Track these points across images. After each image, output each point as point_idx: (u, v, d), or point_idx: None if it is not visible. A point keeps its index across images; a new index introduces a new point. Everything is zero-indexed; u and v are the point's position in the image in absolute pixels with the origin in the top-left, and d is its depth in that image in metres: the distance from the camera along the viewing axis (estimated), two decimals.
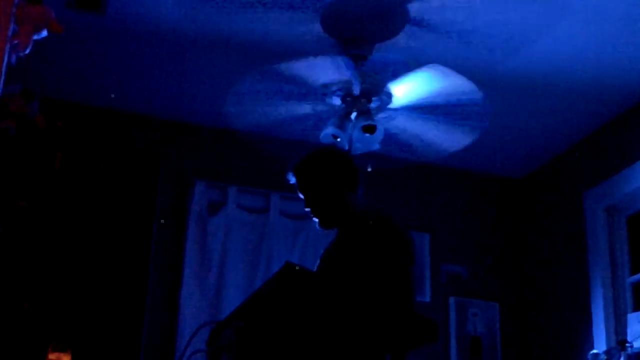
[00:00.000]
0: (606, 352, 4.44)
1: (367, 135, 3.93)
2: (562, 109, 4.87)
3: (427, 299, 5.32)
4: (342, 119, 3.99)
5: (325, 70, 3.92)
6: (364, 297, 2.80)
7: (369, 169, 4.12)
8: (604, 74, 4.47)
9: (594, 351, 4.52)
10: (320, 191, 3.25)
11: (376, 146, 4.03)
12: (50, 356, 4.34)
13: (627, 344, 4.33)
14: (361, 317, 2.74)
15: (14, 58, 2.40)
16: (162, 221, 4.99)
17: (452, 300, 5.38)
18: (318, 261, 3.22)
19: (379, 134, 3.95)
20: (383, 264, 3.01)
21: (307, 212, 3.31)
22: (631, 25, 4.04)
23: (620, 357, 4.33)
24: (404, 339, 2.98)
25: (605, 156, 4.98)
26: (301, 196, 3.32)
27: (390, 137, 4.17)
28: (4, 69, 2.24)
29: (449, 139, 4.30)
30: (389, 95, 3.97)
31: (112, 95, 4.88)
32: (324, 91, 3.99)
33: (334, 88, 3.97)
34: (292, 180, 3.31)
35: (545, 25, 4.04)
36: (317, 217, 3.28)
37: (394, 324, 2.93)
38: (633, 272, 4.81)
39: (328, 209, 3.26)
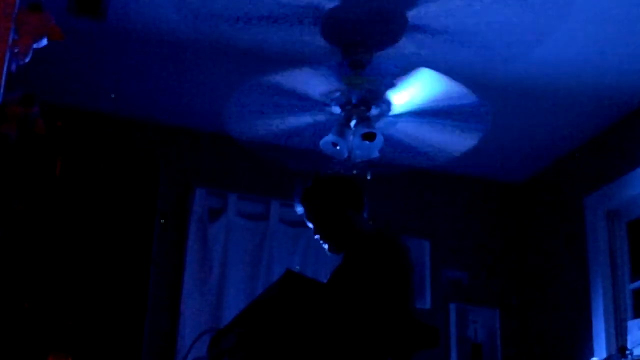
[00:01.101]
0: (606, 359, 4.44)
1: (367, 142, 3.93)
2: (562, 113, 4.87)
3: (428, 305, 5.32)
4: (342, 127, 3.99)
5: (325, 78, 3.92)
6: (362, 301, 2.82)
7: (369, 177, 4.12)
8: (605, 77, 4.46)
9: (594, 358, 4.52)
10: (328, 218, 3.34)
11: (376, 153, 4.03)
12: None
13: (627, 351, 4.32)
14: (360, 322, 2.76)
15: (14, 66, 2.40)
16: (162, 221, 4.98)
17: (452, 306, 5.38)
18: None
19: (378, 142, 3.95)
20: (381, 270, 3.04)
21: (317, 238, 3.40)
22: (632, 28, 4.03)
23: None
24: (405, 345, 2.99)
25: (606, 161, 4.97)
26: (310, 225, 3.40)
27: (390, 144, 4.17)
28: (4, 76, 2.24)
29: (449, 144, 4.29)
30: (389, 102, 3.97)
31: (112, 96, 4.88)
32: (324, 99, 3.99)
33: (334, 95, 3.97)
34: (300, 210, 3.41)
35: (545, 29, 4.04)
36: (327, 243, 3.38)
37: (394, 329, 2.93)
38: (633, 279, 4.80)
39: (337, 234, 3.35)
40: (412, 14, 3.94)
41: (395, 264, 3.11)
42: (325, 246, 3.38)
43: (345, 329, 2.75)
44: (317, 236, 3.39)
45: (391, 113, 4.00)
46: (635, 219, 4.86)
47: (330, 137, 4.00)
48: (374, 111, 3.96)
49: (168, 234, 5.03)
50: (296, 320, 2.70)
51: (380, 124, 3.99)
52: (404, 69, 3.89)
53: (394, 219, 5.38)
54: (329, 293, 2.87)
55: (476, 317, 5.41)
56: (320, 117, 4.10)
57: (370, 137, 3.92)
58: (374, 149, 3.98)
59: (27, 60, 2.44)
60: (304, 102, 4.02)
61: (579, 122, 4.95)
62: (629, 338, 4.40)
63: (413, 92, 3.94)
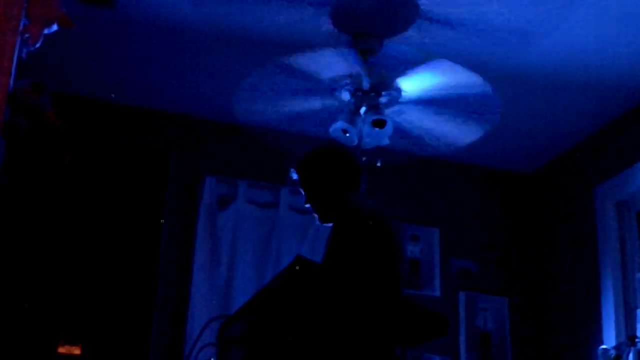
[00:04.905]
0: (616, 348, 4.43)
1: (377, 129, 3.93)
2: (572, 103, 4.85)
3: (437, 293, 5.32)
4: (352, 114, 3.99)
5: (335, 65, 3.92)
6: (357, 287, 2.82)
7: (379, 164, 4.12)
8: (614, 67, 4.45)
9: (604, 346, 4.51)
10: (319, 188, 3.30)
11: (386, 141, 4.03)
12: (61, 349, 4.36)
13: (636, 339, 4.32)
14: (360, 307, 2.76)
15: (24, 52, 2.41)
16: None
17: (461, 295, 5.38)
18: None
19: (388, 129, 3.94)
20: (367, 251, 3.01)
21: (308, 207, 3.36)
22: None
23: (629, 352, 4.33)
24: (414, 332, 3.00)
25: (616, 151, 4.96)
26: (302, 192, 3.36)
27: (400, 132, 4.17)
28: (14, 63, 2.25)
29: (459, 132, 4.29)
30: (399, 90, 3.97)
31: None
32: (334, 86, 3.99)
33: (344, 82, 3.97)
34: (295, 176, 3.38)
35: (555, 18, 4.03)
36: (316, 213, 3.33)
37: (402, 317, 2.94)
38: None
39: (327, 205, 3.29)
40: (422, 2, 3.93)
41: (381, 246, 3.05)
42: (316, 215, 3.34)
43: (351, 315, 2.76)
44: (307, 205, 3.35)
45: (401, 100, 4.00)
46: None
47: (340, 124, 3.99)
48: (384, 98, 3.95)
49: (177, 223, 5.04)
50: (305, 306, 2.70)
51: (390, 111, 3.99)
52: (414, 57, 3.88)
53: (403, 206, 5.39)
54: (330, 279, 2.85)
55: (485, 306, 5.41)
56: (330, 104, 4.10)
57: (380, 124, 3.91)
58: (384, 137, 3.98)
59: (37, 46, 2.45)
60: (313, 90, 4.03)
61: (588, 111, 4.94)
62: (639, 327, 4.40)
63: (423, 79, 3.94)
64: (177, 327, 4.81)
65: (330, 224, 3.31)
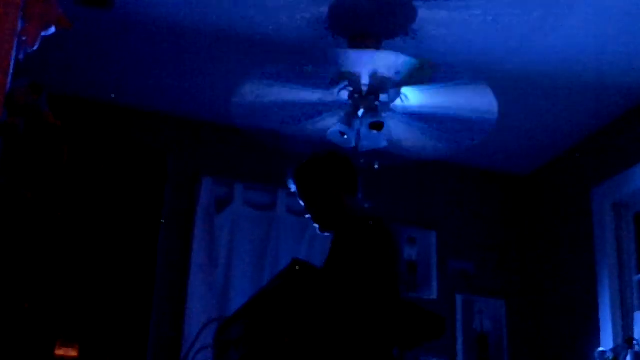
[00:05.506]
0: (613, 350, 4.44)
1: (374, 132, 3.92)
2: (569, 105, 4.85)
3: (434, 295, 5.32)
4: (349, 116, 3.98)
5: (333, 67, 3.92)
6: (360, 290, 2.82)
7: (376, 166, 4.12)
8: (612, 69, 4.45)
9: (601, 349, 4.51)
10: (319, 196, 3.28)
11: (383, 143, 4.02)
12: (58, 350, 4.36)
13: (634, 342, 4.32)
14: (359, 309, 2.76)
15: (22, 54, 2.40)
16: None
17: (458, 297, 5.38)
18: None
19: (386, 131, 3.94)
20: (367, 255, 2.99)
21: (308, 218, 3.33)
22: (638, 20, 4.02)
23: (627, 354, 4.33)
24: (412, 334, 3.00)
25: (613, 152, 4.96)
26: (301, 203, 3.34)
27: (397, 134, 4.17)
28: (11, 65, 2.24)
29: (456, 134, 4.28)
30: (396, 92, 3.96)
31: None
32: (331, 88, 3.98)
33: (341, 85, 3.96)
34: (293, 187, 3.36)
35: (552, 20, 4.03)
36: (317, 223, 3.30)
37: (400, 318, 2.94)
38: None
39: (327, 214, 3.27)
40: (419, 5, 3.93)
41: (382, 250, 3.03)
42: (316, 225, 3.31)
43: (348, 317, 2.76)
44: (307, 215, 3.33)
45: (399, 102, 3.99)
46: None
47: (337, 127, 3.99)
48: (382, 100, 3.94)
49: (174, 225, 5.03)
50: (302, 308, 2.70)
51: (388, 114, 3.98)
52: (412, 59, 3.88)
53: (400, 209, 5.39)
54: (329, 282, 2.85)
55: (482, 308, 5.41)
56: (328, 107, 4.10)
57: (377, 126, 3.90)
58: (382, 139, 3.97)
59: (35, 48, 2.44)
60: (310, 92, 4.02)
61: (586, 113, 4.94)
62: (636, 329, 4.41)
63: (420, 81, 3.93)
64: (175, 328, 4.81)
65: (329, 233, 3.31)
